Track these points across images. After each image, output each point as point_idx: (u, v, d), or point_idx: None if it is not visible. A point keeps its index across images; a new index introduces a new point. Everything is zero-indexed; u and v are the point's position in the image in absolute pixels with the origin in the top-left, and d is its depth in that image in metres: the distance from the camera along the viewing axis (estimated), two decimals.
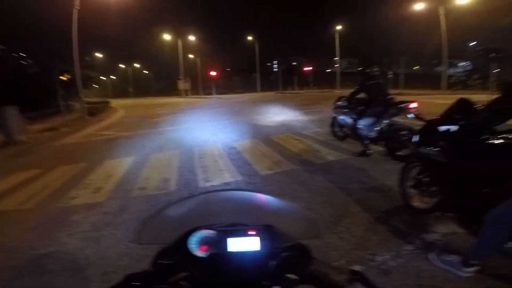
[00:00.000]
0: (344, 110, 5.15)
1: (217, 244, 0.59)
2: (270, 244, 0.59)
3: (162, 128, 8.74)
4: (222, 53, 58.48)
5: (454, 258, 1.94)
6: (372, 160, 4.41)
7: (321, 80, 37.25)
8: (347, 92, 5.39)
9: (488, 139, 1.92)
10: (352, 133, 4.93)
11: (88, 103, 16.29)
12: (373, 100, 4.56)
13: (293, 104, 15.27)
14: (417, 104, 4.23)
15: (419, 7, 20.96)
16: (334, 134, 5.85)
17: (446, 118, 2.22)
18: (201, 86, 38.20)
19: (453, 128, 2.11)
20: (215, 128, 8.11)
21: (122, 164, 4.80)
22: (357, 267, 1.92)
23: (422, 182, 2.68)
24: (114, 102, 23.80)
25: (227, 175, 4.01)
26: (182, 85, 33.90)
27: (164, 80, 52.78)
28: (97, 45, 37.50)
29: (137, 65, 57.75)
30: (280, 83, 39.04)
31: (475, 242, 1.82)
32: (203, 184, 3.75)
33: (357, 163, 4.33)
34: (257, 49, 38.25)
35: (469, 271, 1.84)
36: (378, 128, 4.45)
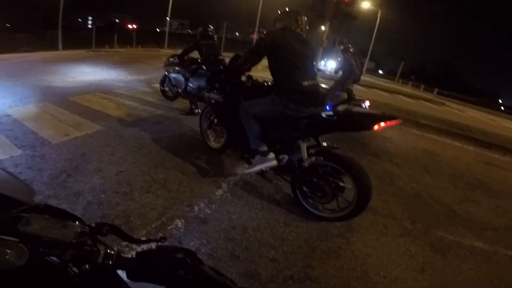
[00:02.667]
0: (177, 69, 4.89)
1: None
2: None
3: None
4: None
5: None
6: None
7: (149, 39, 34.17)
8: (177, 51, 5.13)
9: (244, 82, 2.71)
10: (183, 91, 4.83)
11: None
12: (206, 59, 4.62)
13: (110, 62, 13.04)
14: None
15: None
16: (164, 93, 5.48)
17: (224, 67, 2.70)
18: None
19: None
20: None
21: None
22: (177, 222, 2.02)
23: (213, 123, 3.17)
24: None
25: None
26: None
27: None
28: None
29: None
30: (93, 40, 32.13)
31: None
32: None
33: (172, 116, 4.34)
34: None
35: (253, 166, 2.37)
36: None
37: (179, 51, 5.00)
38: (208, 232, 2.04)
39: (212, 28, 4.83)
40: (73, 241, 0.45)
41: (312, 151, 2.25)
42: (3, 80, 7.21)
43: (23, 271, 0.41)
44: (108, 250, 0.49)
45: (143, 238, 0.59)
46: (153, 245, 0.51)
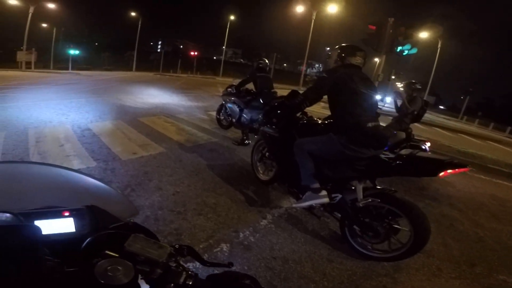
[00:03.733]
0: (233, 99, 5.06)
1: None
2: (91, 226, 0.57)
3: None
4: (91, 26, 48.61)
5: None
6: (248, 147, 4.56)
7: (205, 66, 37.35)
8: (230, 80, 5.54)
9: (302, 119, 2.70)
10: (236, 121, 4.95)
11: None
12: (260, 92, 4.75)
13: (173, 87, 14.55)
14: None
15: (299, 10, 23.66)
16: (219, 122, 5.76)
17: (281, 103, 2.60)
18: (53, 59, 30.57)
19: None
20: (65, 107, 6.58)
21: None
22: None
23: (265, 156, 3.23)
24: None
25: (76, 162, 3.33)
26: (23, 56, 26.14)
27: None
28: None
29: None
30: (161, 64, 36.40)
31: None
32: None
33: (226, 145, 4.63)
34: (140, 25, 34.11)
35: (302, 201, 2.30)
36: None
37: (236, 81, 5.18)
38: (250, 259, 2.04)
39: (267, 61, 4.97)
40: (164, 261, 0.48)
41: (368, 192, 2.13)
42: (90, 95, 8.57)
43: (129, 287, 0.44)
44: (189, 272, 0.51)
45: (213, 261, 0.63)
46: (218, 270, 0.54)
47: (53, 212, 0.56)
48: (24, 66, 25.95)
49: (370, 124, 2.08)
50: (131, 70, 34.11)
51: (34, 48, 26.95)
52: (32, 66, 26.63)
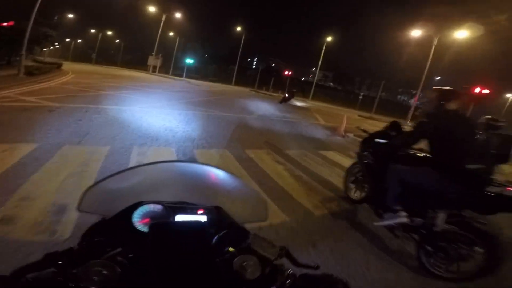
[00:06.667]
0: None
1: (164, 219, 0.60)
2: (216, 223, 0.63)
3: (102, 105, 6.56)
4: (204, 38, 55.62)
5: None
6: None
7: (297, 86, 37.03)
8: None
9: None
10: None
11: (36, 61, 15.65)
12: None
13: (274, 107, 14.19)
14: None
15: (415, 33, 21.09)
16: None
17: (382, 132, 3.06)
18: (172, 66, 35.29)
19: (383, 140, 2.93)
20: (174, 118, 6.34)
21: (4, 155, 2.88)
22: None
23: (358, 178, 3.36)
24: (70, 66, 19.10)
25: None
26: (152, 61, 30.94)
27: (136, 52, 50.34)
28: (71, 5, 33.54)
29: (109, 32, 52.66)
30: (257, 81, 37.83)
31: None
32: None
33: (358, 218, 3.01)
34: (243, 41, 36.73)
35: (384, 220, 2.43)
36: None
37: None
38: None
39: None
40: (273, 259, 0.54)
41: (450, 219, 2.15)
42: (199, 108, 8.33)
43: (259, 282, 0.49)
44: (290, 271, 0.53)
45: (304, 263, 0.58)
46: (307, 271, 0.54)
47: (192, 209, 0.65)
48: (151, 70, 30.64)
49: (471, 166, 2.05)
50: (230, 83, 36.45)
51: (161, 54, 31.75)
52: (157, 70, 31.25)
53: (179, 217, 0.61)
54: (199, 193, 0.72)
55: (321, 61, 36.03)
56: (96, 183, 0.63)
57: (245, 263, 0.49)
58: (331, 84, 73.68)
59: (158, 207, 0.60)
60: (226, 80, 39.09)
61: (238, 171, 3.63)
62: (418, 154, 2.65)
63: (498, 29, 20.86)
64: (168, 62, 36.03)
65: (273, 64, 72.48)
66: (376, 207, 2.77)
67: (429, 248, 2.21)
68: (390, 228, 2.51)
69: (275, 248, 0.55)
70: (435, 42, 19.97)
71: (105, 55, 47.86)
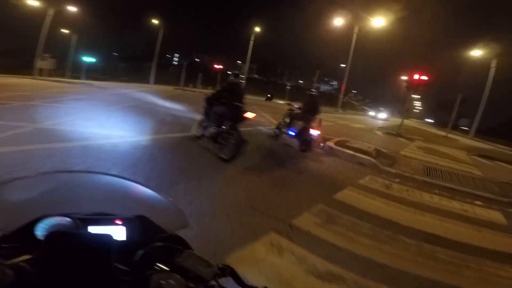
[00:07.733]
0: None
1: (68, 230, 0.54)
2: (139, 235, 0.58)
3: None
4: (112, 34, 48.64)
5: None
6: None
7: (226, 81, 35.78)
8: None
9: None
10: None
11: None
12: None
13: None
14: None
15: (338, 22, 21.83)
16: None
17: (216, 93, 5.59)
18: (70, 68, 29.35)
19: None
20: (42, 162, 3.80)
21: None
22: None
23: (202, 120, 5.85)
24: None
25: None
26: (42, 63, 25.14)
27: (18, 55, 40.79)
28: None
29: None
30: (183, 78, 34.57)
31: None
32: None
33: None
34: (160, 35, 33.15)
35: (206, 131, 5.58)
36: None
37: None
38: None
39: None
40: (210, 280, 0.48)
41: (229, 126, 4.90)
42: (92, 128, 5.98)
43: None
44: None
45: (252, 285, 0.53)
46: None
47: (106, 219, 0.58)
48: (42, 74, 24.57)
49: (236, 103, 4.98)
50: (148, 82, 32.32)
51: (49, 54, 25.58)
52: (47, 73, 24.97)
53: (92, 229, 0.55)
54: (118, 203, 0.67)
55: (249, 54, 35.66)
56: None
57: (164, 282, 0.43)
58: (256, 76, 74.42)
59: (66, 220, 0.53)
60: (142, 79, 34.65)
61: None
62: (222, 100, 5.20)
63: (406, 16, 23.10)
64: (65, 63, 29.80)
65: (196, 59, 68.86)
66: (203, 131, 5.63)
67: (221, 141, 4.79)
68: (208, 138, 5.25)
69: (211, 267, 0.50)
70: (356, 30, 21.10)
71: None
